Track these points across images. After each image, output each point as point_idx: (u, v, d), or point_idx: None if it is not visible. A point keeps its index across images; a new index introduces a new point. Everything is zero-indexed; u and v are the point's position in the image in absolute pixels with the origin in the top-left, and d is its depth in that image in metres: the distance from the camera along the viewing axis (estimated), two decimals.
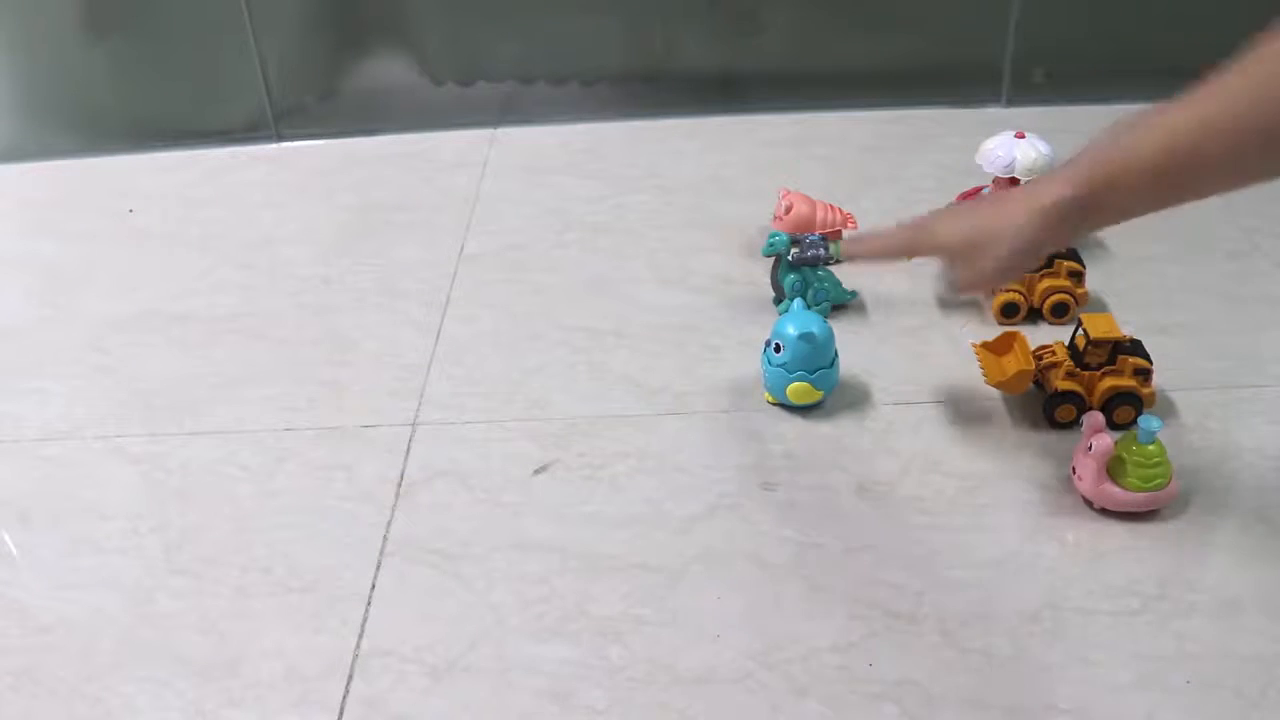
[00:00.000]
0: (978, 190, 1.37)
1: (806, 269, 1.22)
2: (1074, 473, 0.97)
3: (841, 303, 1.26)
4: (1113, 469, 0.94)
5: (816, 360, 1.06)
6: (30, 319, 1.34)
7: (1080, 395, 1.05)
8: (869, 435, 1.07)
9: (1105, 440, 0.93)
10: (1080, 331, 1.06)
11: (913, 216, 0.93)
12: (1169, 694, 0.81)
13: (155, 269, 1.44)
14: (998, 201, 0.85)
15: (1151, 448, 0.94)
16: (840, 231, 1.35)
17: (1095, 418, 0.95)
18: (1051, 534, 0.95)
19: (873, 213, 1.43)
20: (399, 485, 1.04)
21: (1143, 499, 0.94)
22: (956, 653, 0.84)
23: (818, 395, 1.08)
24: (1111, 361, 1.05)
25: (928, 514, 0.97)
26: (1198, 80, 0.75)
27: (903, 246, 0.92)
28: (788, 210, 1.33)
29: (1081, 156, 0.79)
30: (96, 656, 0.88)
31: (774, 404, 1.11)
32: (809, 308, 1.23)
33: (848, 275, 1.27)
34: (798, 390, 1.07)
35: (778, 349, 1.07)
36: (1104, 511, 0.96)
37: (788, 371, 1.06)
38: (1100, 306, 1.24)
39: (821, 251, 1.19)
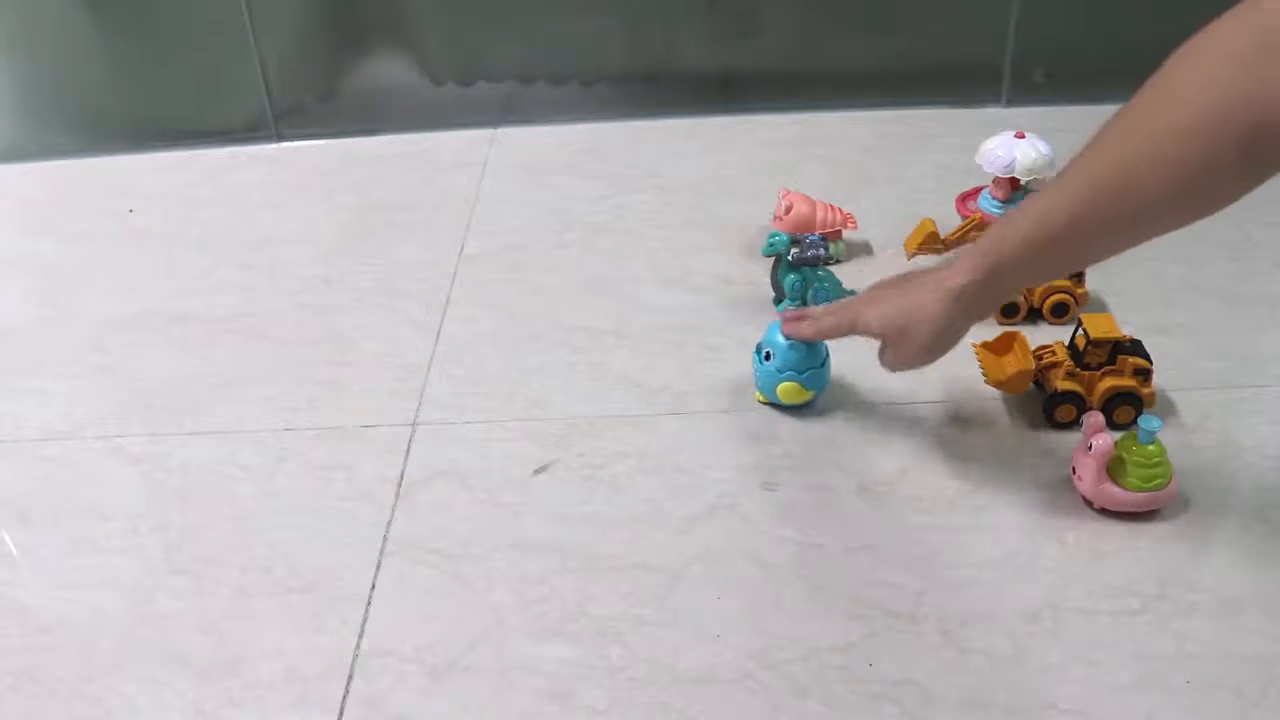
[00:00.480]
0: (978, 190, 1.38)
1: (806, 269, 1.22)
2: (1074, 473, 0.97)
3: None
4: (1113, 469, 0.94)
5: (807, 362, 1.06)
6: (30, 319, 1.34)
7: (1080, 395, 1.05)
8: (869, 435, 1.07)
9: (1105, 440, 0.93)
10: (1080, 331, 1.06)
11: (840, 303, 1.04)
12: (1169, 694, 0.81)
13: (155, 269, 1.44)
14: (913, 287, 0.93)
15: (1151, 448, 0.94)
16: (840, 231, 1.35)
17: (1095, 418, 0.95)
18: (1051, 534, 0.95)
19: (873, 213, 1.43)
20: (399, 485, 1.04)
21: (1143, 499, 0.94)
22: (956, 653, 0.84)
23: (808, 395, 1.08)
24: (1111, 361, 1.05)
25: (928, 514, 0.97)
26: None
27: (836, 331, 1.01)
28: (788, 210, 1.33)
29: (981, 242, 0.87)
30: (96, 656, 0.88)
31: (765, 403, 1.11)
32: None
33: (848, 275, 1.27)
34: (788, 390, 1.07)
35: (768, 356, 1.07)
36: (1104, 511, 0.96)
37: (777, 371, 1.06)
38: (1100, 306, 1.24)
39: (821, 251, 1.19)
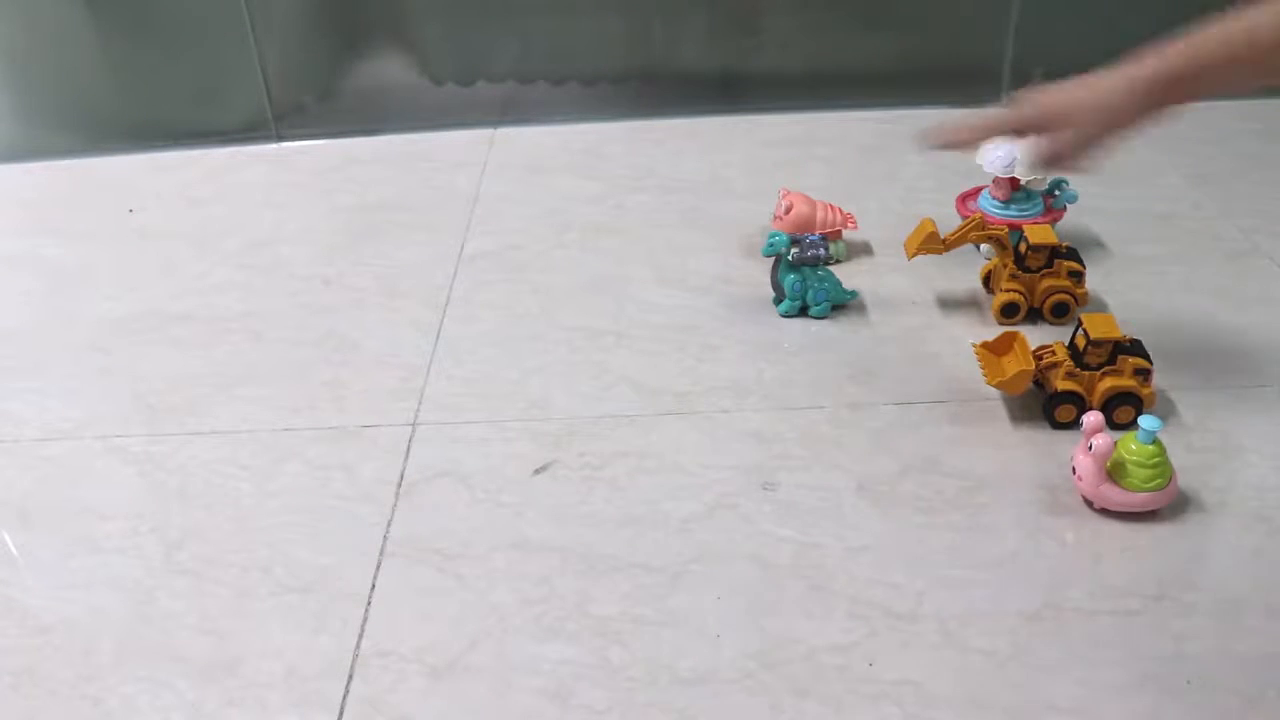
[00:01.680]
0: (978, 190, 1.38)
1: (806, 269, 1.22)
2: (1074, 473, 0.97)
3: (841, 303, 1.26)
4: (1113, 469, 0.94)
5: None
6: (30, 319, 1.34)
7: (1080, 395, 1.05)
8: (869, 435, 1.07)
9: (1105, 440, 0.93)
10: (1080, 331, 1.06)
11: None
12: (1169, 694, 0.81)
13: (155, 269, 1.44)
14: (1091, 77, 0.92)
15: (1151, 448, 0.94)
16: (840, 231, 1.35)
17: (1095, 418, 0.95)
18: (1051, 534, 0.95)
19: (873, 213, 1.43)
20: (399, 485, 1.04)
21: (1142, 499, 0.94)
22: (956, 653, 0.84)
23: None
24: (1111, 361, 1.05)
25: (928, 514, 0.97)
26: None
27: (1004, 121, 0.96)
28: (788, 210, 1.33)
29: (1171, 44, 0.88)
30: (96, 656, 0.88)
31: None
32: (809, 308, 1.24)
33: (848, 275, 1.28)
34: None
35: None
36: (1104, 511, 0.96)
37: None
38: (1100, 306, 1.24)
39: (821, 251, 1.20)
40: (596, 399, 1.14)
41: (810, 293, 1.23)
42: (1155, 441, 0.94)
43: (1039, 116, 0.94)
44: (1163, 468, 0.94)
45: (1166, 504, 0.95)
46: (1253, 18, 0.85)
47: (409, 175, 1.65)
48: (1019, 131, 0.97)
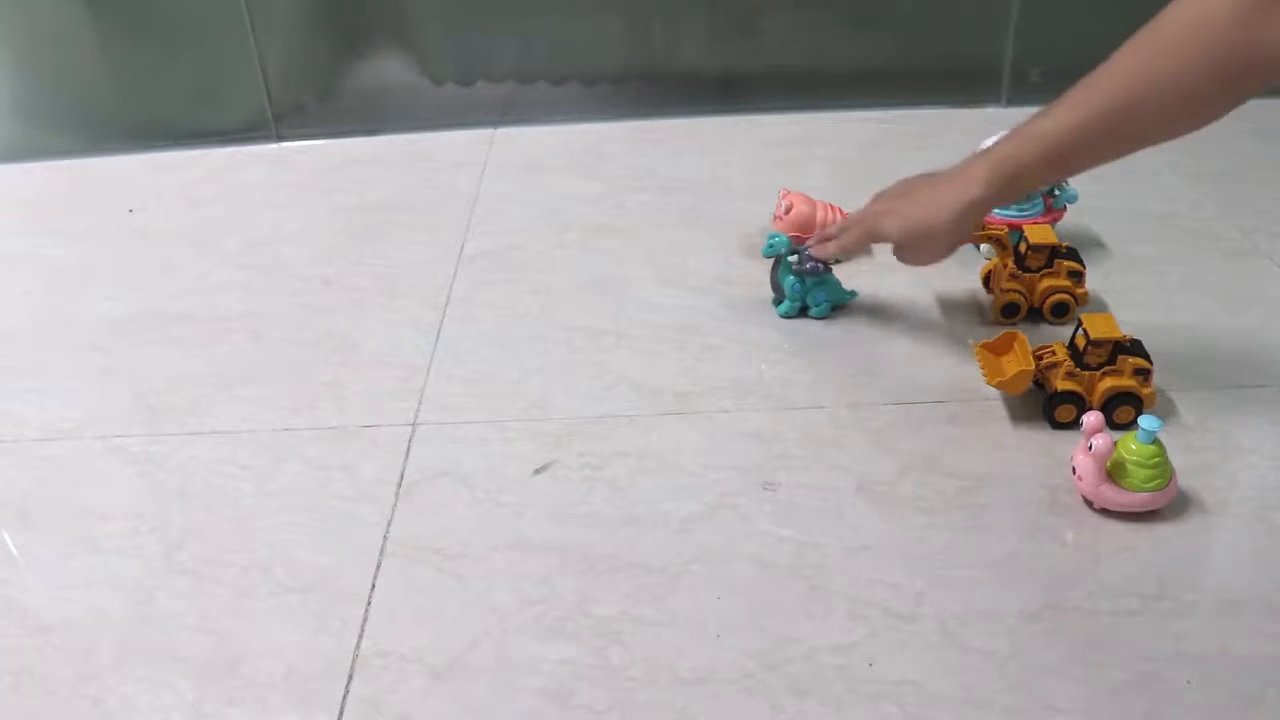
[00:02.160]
0: None
1: None
2: (1074, 473, 0.97)
3: (841, 303, 1.26)
4: (1112, 469, 0.94)
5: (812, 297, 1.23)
6: (30, 319, 1.34)
7: (1080, 395, 1.05)
8: (869, 435, 1.07)
9: (1105, 440, 0.93)
10: (1080, 331, 1.06)
11: (856, 218, 1.14)
12: (1169, 694, 0.81)
13: (155, 269, 1.44)
14: (927, 197, 1.06)
15: (1151, 448, 0.94)
16: None
17: (1095, 418, 0.95)
18: (1051, 534, 0.95)
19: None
20: (399, 485, 1.04)
21: (1142, 499, 0.94)
22: (956, 653, 0.84)
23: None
24: (1111, 361, 1.05)
25: (928, 514, 0.97)
26: None
27: (857, 246, 1.14)
28: (788, 210, 1.33)
29: (996, 154, 1.00)
30: (96, 656, 0.88)
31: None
32: (809, 308, 1.24)
33: (848, 275, 1.27)
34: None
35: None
36: (1104, 511, 0.96)
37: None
38: (1100, 306, 1.24)
39: (820, 265, 1.20)
40: (596, 399, 1.14)
41: (810, 294, 1.23)
42: (1155, 441, 0.94)
43: (902, 240, 1.09)
44: (1163, 468, 0.94)
45: (1166, 504, 0.95)
46: (1058, 123, 0.97)
47: (409, 175, 1.65)
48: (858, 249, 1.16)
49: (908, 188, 1.09)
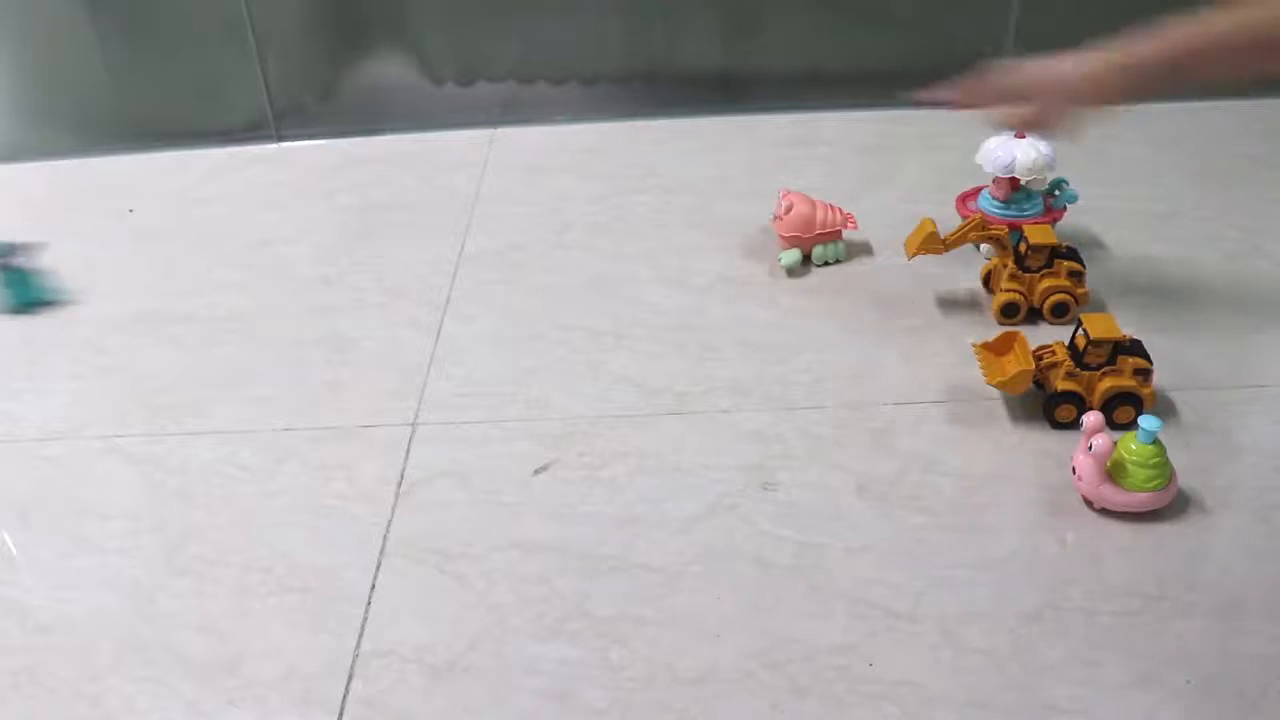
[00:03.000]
0: (978, 190, 1.37)
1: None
2: (1074, 473, 0.97)
3: (36, 302, 1.33)
4: (1113, 469, 0.94)
5: None
6: (30, 319, 1.34)
7: (1080, 395, 1.05)
8: (869, 435, 1.07)
9: (1105, 440, 0.93)
10: (1080, 331, 1.06)
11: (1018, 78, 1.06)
12: (1169, 694, 0.81)
13: (155, 269, 1.44)
14: (1084, 57, 1.02)
15: (1151, 448, 0.94)
16: (840, 231, 1.35)
17: (1095, 418, 0.95)
18: (1051, 534, 0.95)
19: (873, 213, 1.43)
20: (399, 485, 1.04)
21: (1142, 499, 0.94)
22: (956, 653, 0.84)
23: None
24: (1111, 361, 1.05)
25: (928, 514, 0.97)
26: None
27: (1054, 101, 1.04)
28: (788, 210, 1.33)
29: (1164, 34, 0.96)
30: (96, 656, 0.88)
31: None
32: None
33: (849, 275, 1.27)
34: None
35: None
36: (1104, 511, 0.96)
37: None
38: (1100, 306, 1.24)
39: (14, 259, 1.28)
40: (596, 399, 1.14)
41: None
42: (1155, 441, 0.94)
43: (1030, 82, 1.03)
44: (1163, 468, 0.94)
45: (1166, 504, 0.95)
46: (1242, 13, 0.91)
47: (409, 175, 1.65)
48: (1010, 96, 1.05)
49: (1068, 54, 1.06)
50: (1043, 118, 1.03)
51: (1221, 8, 0.92)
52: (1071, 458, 0.98)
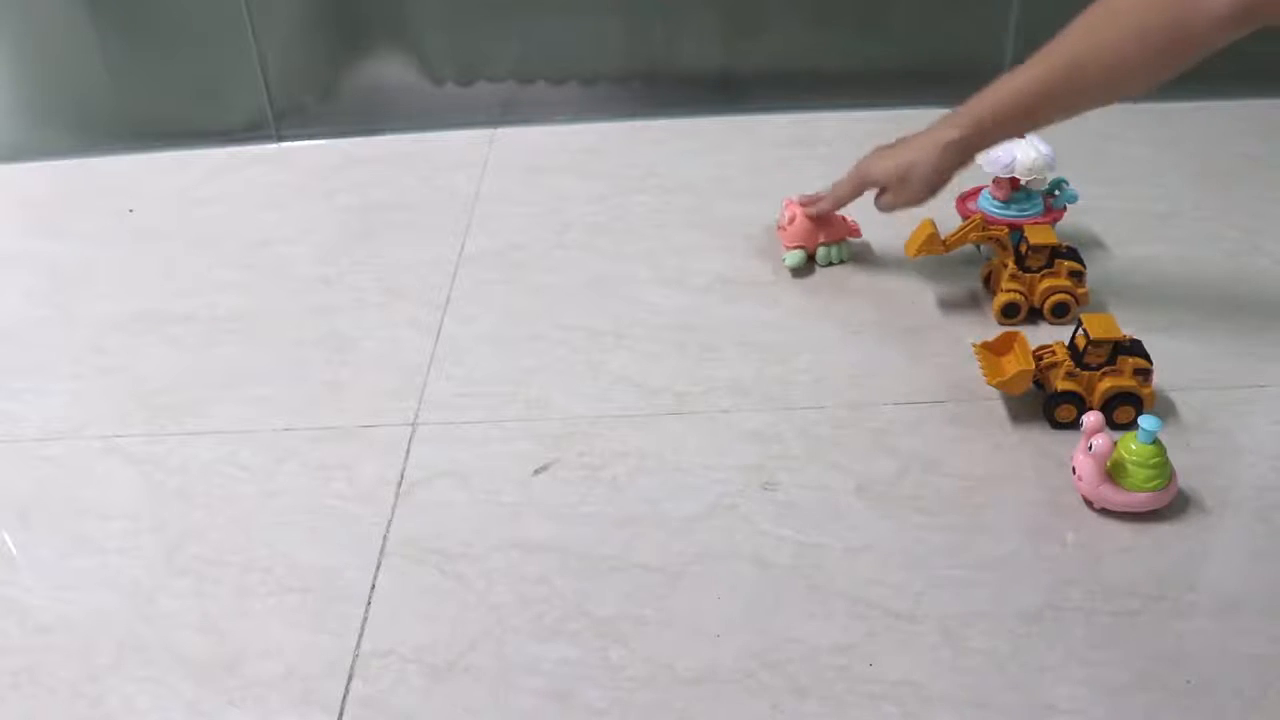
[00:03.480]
0: (978, 190, 1.37)
1: None
2: (1074, 473, 0.97)
3: None
4: (1112, 469, 0.94)
5: None
6: (30, 319, 1.35)
7: (1080, 395, 1.05)
8: (869, 435, 1.07)
9: (1105, 440, 0.93)
10: (1080, 331, 1.06)
11: (849, 172, 1.25)
12: (1169, 694, 0.81)
13: (155, 269, 1.44)
14: (910, 143, 1.19)
15: (1151, 448, 0.94)
16: (844, 236, 1.35)
17: (1095, 418, 0.95)
18: (1051, 534, 0.95)
19: (873, 213, 1.43)
20: (399, 485, 1.04)
21: (1142, 499, 0.94)
22: (956, 653, 0.84)
23: None
24: (1111, 361, 1.05)
25: (928, 514, 0.97)
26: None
27: (851, 194, 1.26)
28: (791, 220, 1.32)
29: (966, 107, 1.13)
30: (96, 656, 0.88)
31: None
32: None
33: (848, 275, 1.27)
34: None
35: None
36: (1104, 511, 0.96)
37: None
38: (1100, 306, 1.24)
39: None
40: (596, 399, 1.14)
41: None
42: (1155, 441, 0.94)
43: (888, 179, 1.21)
44: (1162, 468, 0.94)
45: (1166, 504, 0.95)
46: (1017, 82, 1.07)
47: (409, 175, 1.65)
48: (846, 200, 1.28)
49: (898, 140, 1.21)
50: (901, 204, 1.21)
51: (1034, 61, 1.05)
52: (1071, 458, 0.98)
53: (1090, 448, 0.94)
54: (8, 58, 1.76)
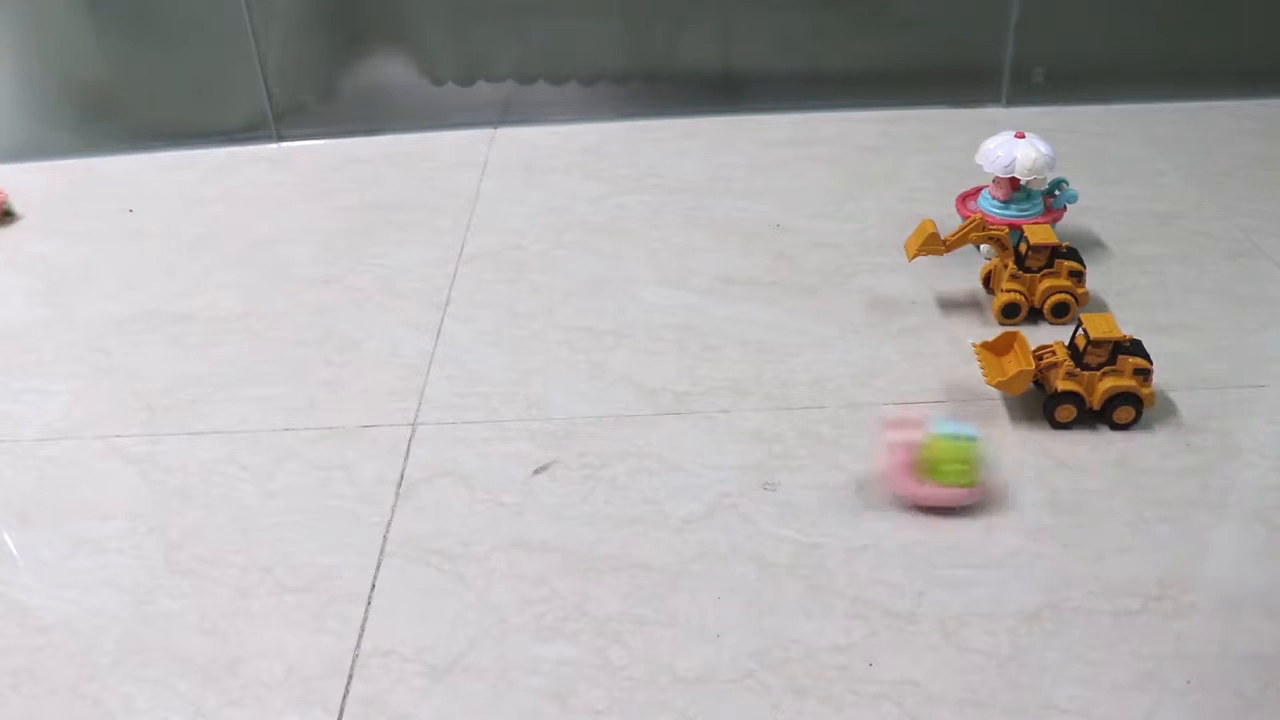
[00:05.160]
0: (978, 190, 1.37)
1: None
2: (884, 470, 0.98)
3: None
4: (922, 465, 0.96)
5: None
6: (30, 319, 1.34)
7: (1080, 395, 1.05)
8: (869, 435, 1.07)
9: (911, 436, 0.95)
10: (1080, 331, 1.06)
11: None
12: (1169, 694, 0.81)
13: (155, 269, 1.44)
14: None
15: (961, 445, 0.96)
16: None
17: (897, 417, 0.98)
18: (1051, 534, 0.95)
19: (873, 213, 1.43)
20: (399, 485, 1.04)
21: (950, 495, 0.96)
22: (956, 653, 0.84)
23: None
24: (1111, 361, 1.05)
25: (928, 514, 0.97)
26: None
27: None
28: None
29: None
30: (96, 656, 0.88)
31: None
32: None
33: (849, 275, 1.27)
34: None
35: None
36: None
37: None
38: (1100, 306, 1.24)
39: None
40: (596, 399, 1.14)
41: None
42: (968, 440, 0.96)
43: None
44: (972, 465, 0.96)
45: (973, 502, 0.97)
46: None
47: (409, 175, 1.65)
48: None
49: None
50: None
51: None
52: (880, 454, 0.99)
53: (894, 445, 0.97)
54: (8, 57, 1.76)
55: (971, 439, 0.96)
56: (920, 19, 1.73)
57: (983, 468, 0.96)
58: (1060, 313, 1.21)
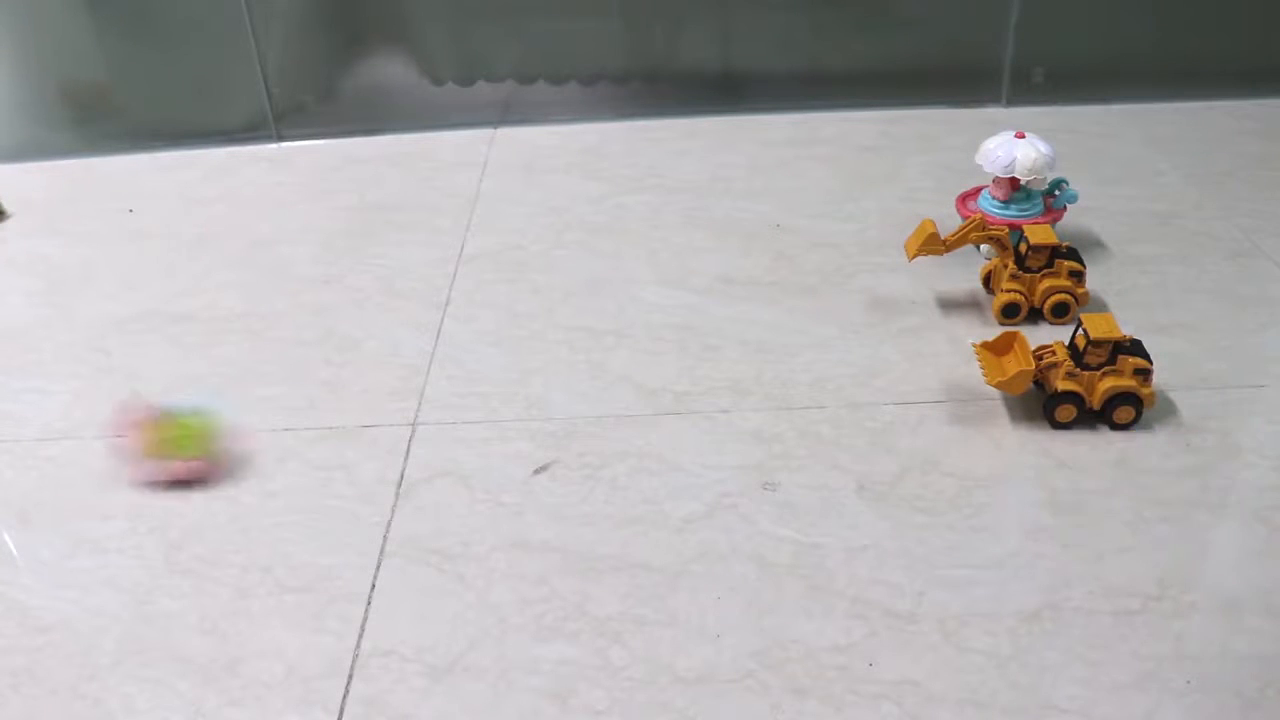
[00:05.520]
0: (978, 190, 1.37)
1: None
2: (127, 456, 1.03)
3: None
4: (158, 444, 1.01)
5: None
6: (30, 319, 1.34)
7: (1080, 395, 1.05)
8: (869, 435, 1.07)
9: (145, 415, 1.01)
10: (1080, 331, 1.06)
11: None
12: (1169, 694, 0.81)
13: (155, 269, 1.44)
14: None
15: (194, 420, 1.01)
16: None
17: (131, 401, 1.03)
18: (1051, 534, 0.95)
19: (873, 213, 1.43)
20: (399, 485, 1.04)
21: (188, 468, 1.01)
22: (956, 653, 0.84)
23: None
24: (1111, 361, 1.05)
25: (928, 514, 0.97)
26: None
27: None
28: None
29: None
30: (96, 656, 0.88)
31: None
32: None
33: (849, 276, 1.27)
34: None
35: None
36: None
37: None
38: (1100, 306, 1.24)
39: None
40: (596, 399, 1.14)
41: None
42: (201, 414, 1.02)
43: None
44: (205, 438, 1.02)
45: (209, 475, 1.02)
46: None
47: (409, 175, 1.65)
48: None
49: None
50: None
51: None
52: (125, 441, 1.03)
53: (136, 428, 1.02)
54: (9, 57, 1.76)
55: (206, 412, 1.02)
56: (920, 19, 1.73)
57: (218, 439, 1.03)
58: (1060, 313, 1.21)
